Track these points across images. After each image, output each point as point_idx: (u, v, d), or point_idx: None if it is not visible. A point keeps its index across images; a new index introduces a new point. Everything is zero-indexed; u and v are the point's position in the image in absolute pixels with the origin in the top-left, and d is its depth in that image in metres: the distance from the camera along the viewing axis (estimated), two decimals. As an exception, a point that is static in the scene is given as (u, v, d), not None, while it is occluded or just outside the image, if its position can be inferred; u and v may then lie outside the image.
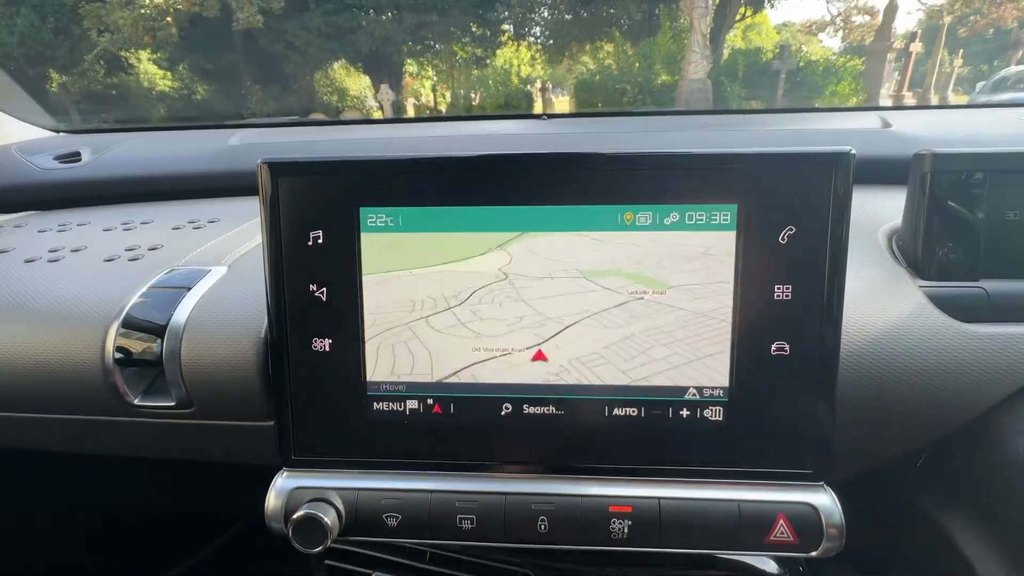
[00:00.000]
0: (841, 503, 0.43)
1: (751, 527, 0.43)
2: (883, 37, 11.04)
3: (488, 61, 17.42)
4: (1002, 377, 0.46)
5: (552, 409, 0.44)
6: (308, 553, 0.45)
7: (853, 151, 0.39)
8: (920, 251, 0.51)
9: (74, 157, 0.94)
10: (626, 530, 0.43)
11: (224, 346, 0.49)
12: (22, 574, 0.87)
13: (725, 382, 0.43)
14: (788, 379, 0.42)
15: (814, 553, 0.43)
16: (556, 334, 0.43)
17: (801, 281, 0.41)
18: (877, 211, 0.62)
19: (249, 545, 1.02)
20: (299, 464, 0.47)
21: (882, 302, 0.48)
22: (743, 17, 16.39)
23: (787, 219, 0.40)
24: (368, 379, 0.45)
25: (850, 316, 0.46)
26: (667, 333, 0.42)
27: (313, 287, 0.44)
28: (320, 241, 0.43)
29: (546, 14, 16.36)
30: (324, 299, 0.44)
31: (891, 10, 10.91)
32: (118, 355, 0.50)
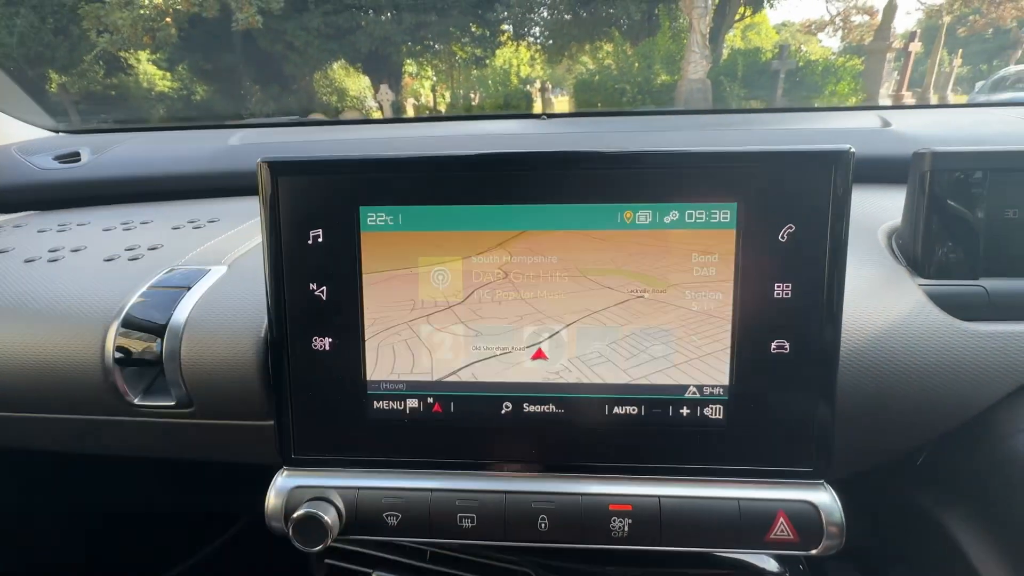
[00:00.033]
0: (841, 501, 0.43)
1: (751, 525, 0.43)
2: (882, 37, 11.05)
3: (487, 61, 17.42)
4: (1002, 375, 0.46)
5: (552, 408, 0.44)
6: (308, 552, 0.45)
7: (853, 149, 0.39)
8: (920, 250, 0.51)
9: (73, 157, 0.94)
10: (626, 529, 0.43)
11: (224, 345, 0.49)
12: (22, 574, 0.87)
13: (725, 380, 0.43)
14: (788, 377, 0.42)
15: (814, 551, 0.43)
16: (556, 333, 0.43)
17: (801, 279, 0.41)
18: (877, 210, 0.62)
19: (249, 545, 1.02)
20: (299, 463, 0.47)
21: (882, 300, 0.48)
22: (742, 17, 16.40)
23: (787, 217, 0.40)
24: (368, 378, 0.45)
25: (850, 314, 0.46)
26: (667, 331, 0.43)
27: (313, 286, 0.44)
28: (320, 240, 0.43)
29: (545, 14, 16.37)
30: (324, 298, 0.44)
31: (890, 10, 10.91)
32: (118, 355, 0.50)
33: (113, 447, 0.58)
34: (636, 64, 12.61)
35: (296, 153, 0.43)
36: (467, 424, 0.45)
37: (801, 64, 10.67)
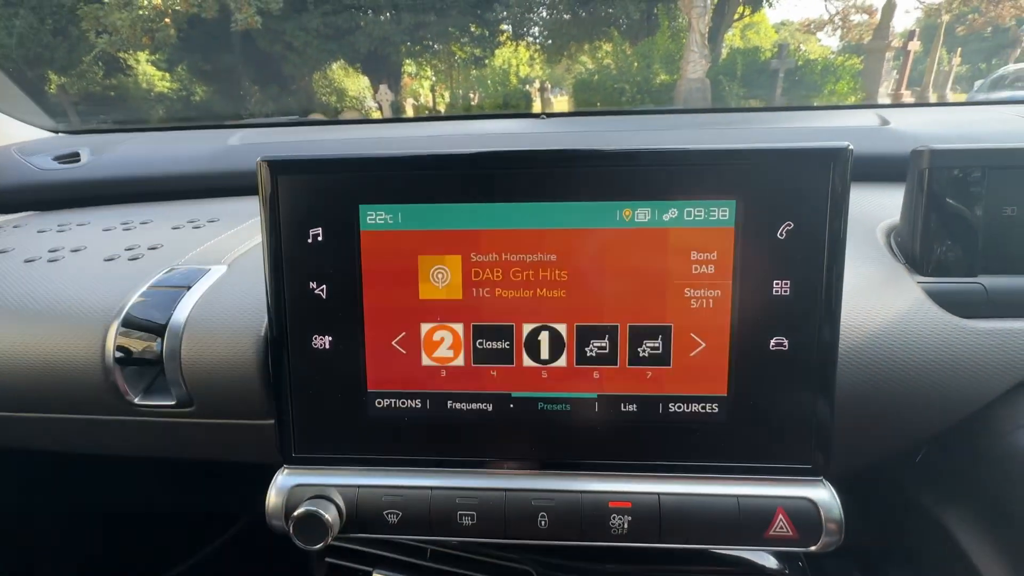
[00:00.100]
0: (840, 498, 0.43)
1: (750, 522, 0.43)
2: (881, 36, 11.06)
3: (487, 61, 17.42)
4: (1000, 372, 0.46)
5: (551, 406, 0.44)
6: (309, 550, 0.45)
7: (851, 147, 0.39)
8: (918, 247, 0.51)
9: (73, 158, 0.94)
10: (626, 526, 0.44)
11: (224, 344, 0.49)
12: (22, 574, 0.87)
13: (724, 378, 0.43)
14: (787, 374, 0.42)
15: (813, 547, 0.43)
16: (555, 331, 0.43)
17: (800, 276, 0.41)
18: (875, 208, 0.63)
19: (249, 544, 1.02)
20: (299, 462, 0.47)
21: (880, 298, 0.49)
22: (741, 16, 16.40)
23: (785, 215, 0.40)
24: (368, 376, 0.45)
25: (849, 312, 0.46)
26: (666, 329, 0.43)
27: (313, 285, 0.44)
28: (320, 239, 0.43)
29: (544, 14, 16.36)
30: (324, 297, 0.44)
31: (889, 9, 10.92)
32: (118, 354, 0.50)
33: (113, 447, 0.58)
34: (635, 64, 12.61)
35: (296, 153, 0.43)
36: (467, 422, 0.45)
37: (800, 63, 10.68)
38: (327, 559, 0.60)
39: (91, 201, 0.88)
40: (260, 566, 0.98)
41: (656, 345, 0.43)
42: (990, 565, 0.46)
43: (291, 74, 15.17)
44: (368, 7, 14.32)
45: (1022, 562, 0.43)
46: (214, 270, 0.56)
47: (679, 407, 0.43)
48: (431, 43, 16.23)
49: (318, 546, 0.44)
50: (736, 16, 15.73)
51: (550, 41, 17.04)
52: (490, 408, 0.45)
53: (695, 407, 0.43)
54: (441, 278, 0.44)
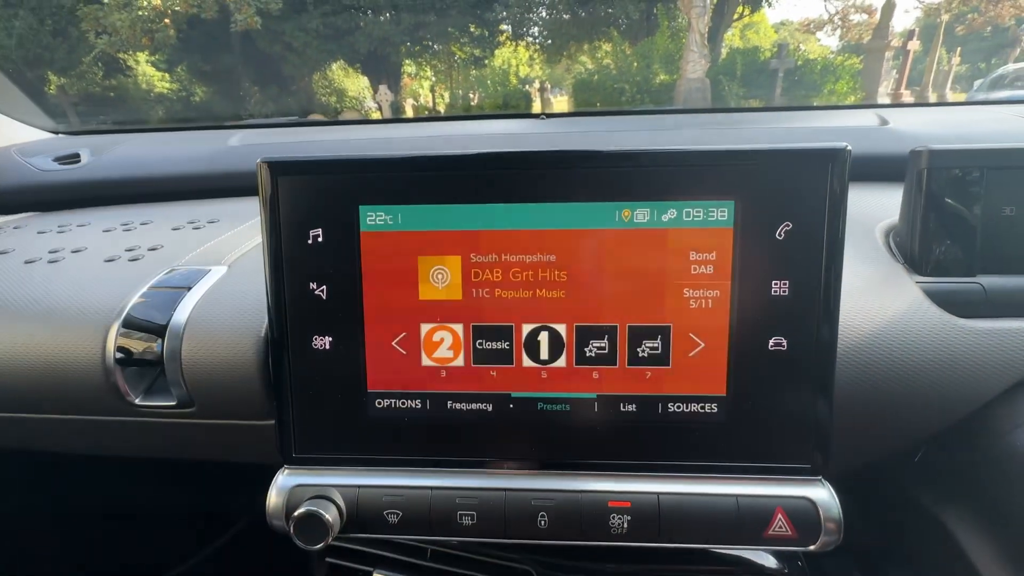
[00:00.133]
0: (839, 498, 0.43)
1: (749, 521, 0.43)
2: (881, 35, 11.06)
3: (486, 61, 17.43)
4: (999, 372, 0.46)
5: (551, 406, 0.44)
6: (309, 550, 0.45)
7: (849, 147, 0.39)
8: (917, 247, 0.51)
9: (73, 158, 0.94)
10: (625, 525, 0.44)
11: (225, 345, 0.49)
12: (22, 574, 0.88)
13: (723, 378, 0.43)
14: (786, 374, 0.42)
15: (812, 547, 0.43)
16: (554, 331, 0.44)
17: (798, 277, 0.41)
18: (874, 208, 0.63)
19: (249, 545, 1.02)
20: (300, 462, 0.47)
21: (879, 298, 0.49)
22: (741, 16, 16.40)
23: (784, 215, 0.40)
24: (368, 377, 0.45)
25: (847, 312, 0.46)
26: (665, 329, 0.43)
27: (313, 285, 0.44)
28: (320, 240, 0.43)
29: (544, 14, 16.37)
30: (324, 297, 0.44)
31: (889, 8, 10.92)
32: (119, 355, 0.50)
33: (114, 447, 0.58)
34: (635, 64, 12.61)
35: (295, 153, 0.43)
36: (467, 422, 0.45)
37: (800, 63, 10.68)
38: (327, 559, 0.60)
39: (91, 202, 0.88)
40: (260, 566, 0.99)
41: (655, 345, 0.43)
42: (989, 564, 0.46)
43: (291, 75, 15.17)
44: (368, 7, 14.32)
45: (1021, 561, 0.43)
46: (214, 271, 0.56)
47: (678, 407, 0.44)
48: (431, 43, 16.24)
49: (318, 546, 0.44)
50: (736, 16, 15.74)
51: (550, 41, 17.05)
52: (490, 408, 0.45)
53: (694, 407, 0.43)
54: (441, 279, 0.44)
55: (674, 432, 0.44)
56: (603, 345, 0.43)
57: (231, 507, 0.99)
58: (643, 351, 0.43)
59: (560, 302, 0.43)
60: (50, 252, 0.65)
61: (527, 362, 0.44)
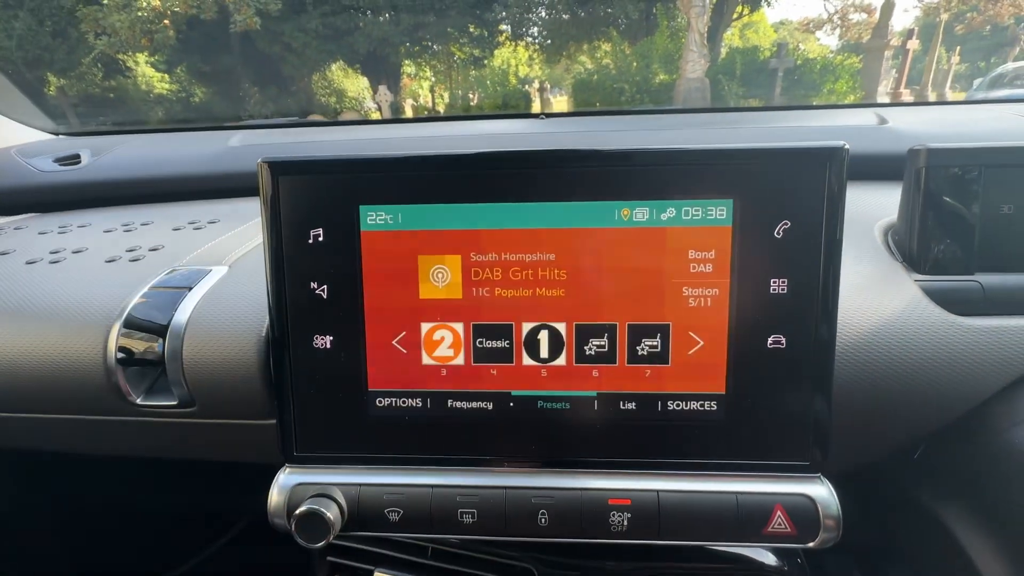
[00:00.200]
0: (838, 495, 0.43)
1: (749, 519, 0.43)
2: (880, 35, 11.07)
3: (486, 61, 17.43)
4: (997, 369, 0.46)
5: (551, 404, 0.45)
6: (310, 548, 0.45)
7: (847, 146, 0.39)
8: (915, 245, 0.51)
9: (73, 159, 0.94)
10: (625, 523, 0.44)
11: (226, 345, 0.49)
12: (22, 574, 0.88)
13: (722, 376, 0.43)
14: (785, 372, 0.42)
15: (811, 544, 0.43)
16: (554, 329, 0.44)
17: (797, 275, 0.41)
18: (873, 207, 0.63)
19: (251, 544, 1.03)
20: (301, 461, 0.47)
21: (878, 296, 0.49)
22: (740, 16, 16.41)
23: (783, 214, 0.41)
24: (369, 376, 0.45)
25: (846, 310, 0.46)
26: (664, 327, 0.43)
27: (314, 285, 0.44)
28: (320, 239, 0.44)
29: (544, 14, 16.37)
30: (325, 297, 0.44)
31: (888, 8, 10.92)
32: (120, 355, 0.50)
33: (115, 447, 0.58)
34: (634, 63, 12.61)
35: (296, 153, 0.43)
36: (467, 421, 0.45)
37: (799, 62, 10.69)
38: (329, 558, 0.60)
39: (92, 203, 0.88)
40: (261, 566, 0.99)
41: (655, 343, 0.43)
42: (988, 561, 0.46)
43: (290, 75, 15.18)
44: (367, 8, 14.32)
45: (1020, 558, 0.43)
46: (215, 271, 0.56)
47: (678, 405, 0.44)
48: (430, 44, 16.24)
49: (320, 544, 0.44)
50: (735, 15, 15.74)
51: (549, 41, 17.05)
52: (490, 407, 0.45)
53: (693, 405, 0.44)
54: (441, 278, 0.44)
55: (674, 430, 0.44)
56: (603, 343, 0.44)
57: (231, 507, 1.00)
58: (642, 349, 0.43)
59: (560, 301, 0.43)
60: (51, 253, 0.65)
61: (527, 360, 0.44)
